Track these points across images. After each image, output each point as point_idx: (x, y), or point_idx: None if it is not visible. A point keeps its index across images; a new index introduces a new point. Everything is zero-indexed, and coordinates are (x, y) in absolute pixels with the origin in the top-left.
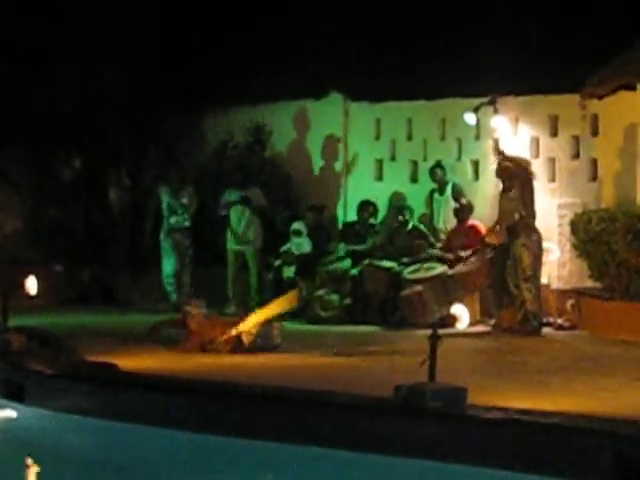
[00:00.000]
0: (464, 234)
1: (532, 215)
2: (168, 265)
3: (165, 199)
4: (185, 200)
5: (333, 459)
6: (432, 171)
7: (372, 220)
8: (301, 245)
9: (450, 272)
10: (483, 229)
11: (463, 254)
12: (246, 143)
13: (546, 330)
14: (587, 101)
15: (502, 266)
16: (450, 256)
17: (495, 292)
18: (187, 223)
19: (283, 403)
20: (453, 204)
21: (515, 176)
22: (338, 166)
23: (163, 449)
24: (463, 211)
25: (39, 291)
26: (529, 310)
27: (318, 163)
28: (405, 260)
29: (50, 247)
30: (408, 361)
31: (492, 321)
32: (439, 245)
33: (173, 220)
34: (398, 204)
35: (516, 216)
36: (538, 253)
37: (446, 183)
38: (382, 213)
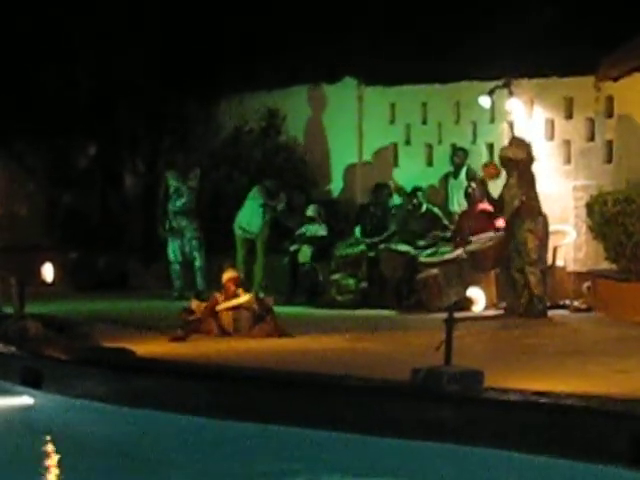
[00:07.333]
0: (474, 218)
1: (535, 198)
2: (172, 251)
3: (172, 183)
4: (193, 183)
5: (350, 443)
6: (454, 153)
7: (394, 202)
8: (316, 230)
9: (464, 252)
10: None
11: (474, 238)
12: (260, 128)
13: (562, 312)
14: (602, 83)
15: (507, 250)
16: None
17: (504, 275)
18: (193, 205)
19: (299, 388)
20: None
21: (516, 162)
22: (353, 150)
23: (180, 435)
24: (474, 195)
25: (55, 278)
26: (534, 294)
27: (332, 148)
28: (421, 244)
29: (65, 234)
30: (424, 344)
31: (503, 304)
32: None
33: (179, 203)
34: (412, 187)
35: (516, 203)
36: (543, 237)
37: (462, 166)
38: (397, 197)
